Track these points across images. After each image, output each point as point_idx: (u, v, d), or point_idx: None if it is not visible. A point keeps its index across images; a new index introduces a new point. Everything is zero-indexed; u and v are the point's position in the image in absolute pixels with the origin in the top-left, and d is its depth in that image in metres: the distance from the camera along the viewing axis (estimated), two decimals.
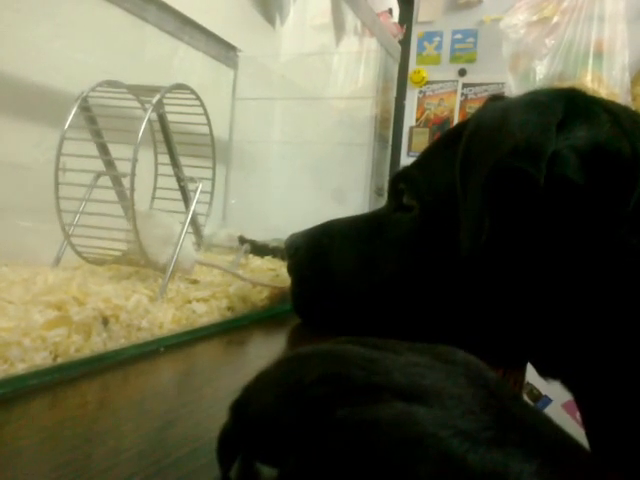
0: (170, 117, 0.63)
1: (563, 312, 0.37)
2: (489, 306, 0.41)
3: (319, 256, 0.54)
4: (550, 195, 0.35)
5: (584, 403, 0.40)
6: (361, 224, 0.53)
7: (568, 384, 0.41)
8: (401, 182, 0.48)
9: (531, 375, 0.46)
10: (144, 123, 0.52)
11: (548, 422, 0.20)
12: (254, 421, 0.21)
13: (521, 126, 0.36)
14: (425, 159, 0.49)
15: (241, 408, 0.22)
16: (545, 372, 0.42)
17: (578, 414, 0.41)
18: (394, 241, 0.48)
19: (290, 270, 0.58)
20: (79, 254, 0.58)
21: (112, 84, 0.58)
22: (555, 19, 2.10)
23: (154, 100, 0.54)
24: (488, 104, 0.45)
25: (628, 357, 0.34)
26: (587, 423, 0.40)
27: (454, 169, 0.41)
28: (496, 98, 0.47)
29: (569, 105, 0.37)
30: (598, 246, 0.35)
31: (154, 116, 0.58)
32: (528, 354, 0.43)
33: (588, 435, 0.39)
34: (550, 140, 0.34)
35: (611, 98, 0.42)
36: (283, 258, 0.86)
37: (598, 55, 2.03)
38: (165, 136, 0.67)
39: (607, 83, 2.00)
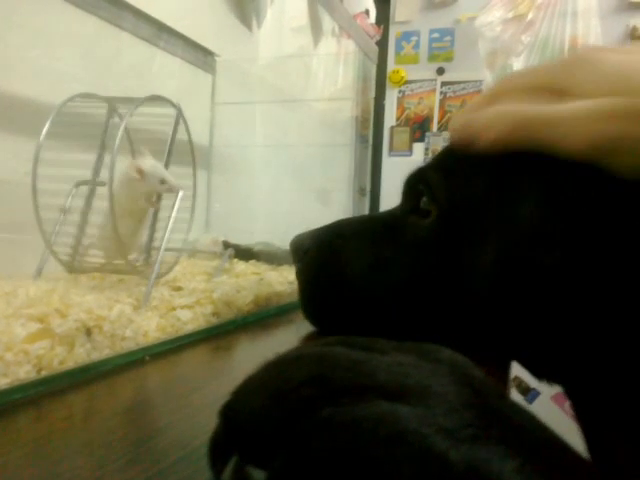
0: (149, 126, 0.62)
1: (580, 321, 0.36)
2: (498, 317, 0.40)
3: (332, 259, 0.52)
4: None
5: (576, 399, 0.40)
6: (375, 226, 0.51)
7: (564, 384, 0.41)
8: (420, 184, 0.46)
9: (519, 369, 0.46)
10: (120, 133, 0.52)
11: (533, 420, 0.20)
12: (243, 424, 0.21)
13: None
14: (445, 163, 0.45)
15: (230, 412, 0.22)
16: (540, 374, 0.42)
17: (566, 405, 0.41)
18: (409, 247, 0.46)
19: (299, 273, 0.55)
20: (61, 262, 0.58)
21: (87, 96, 0.58)
22: (530, 16, 2.13)
23: (129, 112, 0.54)
24: None
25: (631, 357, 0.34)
26: (580, 418, 0.40)
27: (480, 185, 0.39)
28: None
29: None
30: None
31: (130, 124, 0.58)
32: (521, 355, 0.43)
33: (583, 430, 0.39)
34: None
35: None
36: (267, 262, 0.86)
37: (573, 51, 2.05)
38: None
39: None
